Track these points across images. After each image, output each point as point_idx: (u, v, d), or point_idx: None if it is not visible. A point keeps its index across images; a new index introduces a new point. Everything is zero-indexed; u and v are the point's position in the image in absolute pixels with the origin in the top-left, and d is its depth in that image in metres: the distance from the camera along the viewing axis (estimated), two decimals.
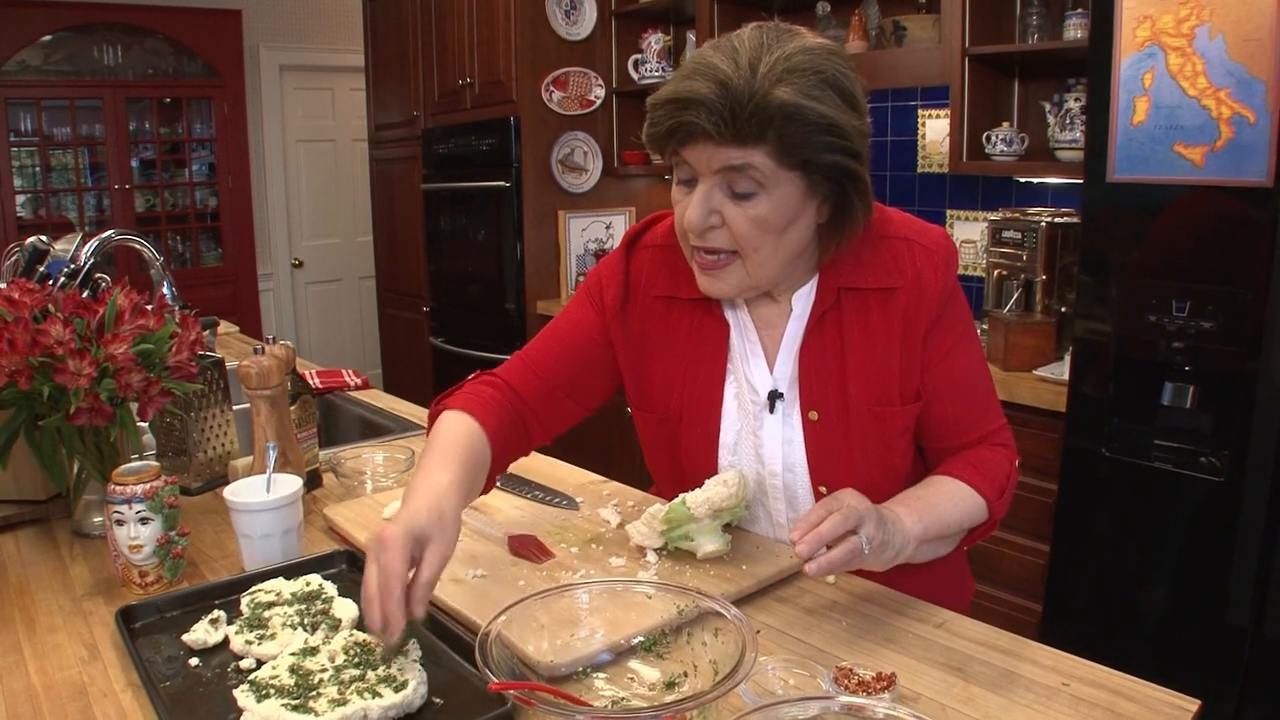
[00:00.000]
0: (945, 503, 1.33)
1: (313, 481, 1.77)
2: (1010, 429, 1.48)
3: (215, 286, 6.41)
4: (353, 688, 0.99)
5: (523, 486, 1.67)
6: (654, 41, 4.32)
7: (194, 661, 1.14)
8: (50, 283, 1.63)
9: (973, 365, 1.43)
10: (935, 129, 3.60)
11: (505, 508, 1.60)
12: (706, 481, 1.31)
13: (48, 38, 5.84)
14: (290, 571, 1.32)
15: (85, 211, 6.15)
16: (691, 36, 4.17)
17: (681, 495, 1.30)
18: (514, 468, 1.77)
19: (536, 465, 1.85)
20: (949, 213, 3.58)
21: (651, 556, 1.35)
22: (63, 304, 1.49)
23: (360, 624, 1.18)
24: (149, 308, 1.55)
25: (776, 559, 1.34)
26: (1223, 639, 2.20)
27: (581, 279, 4.39)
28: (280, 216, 6.82)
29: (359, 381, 2.71)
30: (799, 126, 1.18)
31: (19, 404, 1.47)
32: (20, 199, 5.98)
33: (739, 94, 1.17)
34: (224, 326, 3.73)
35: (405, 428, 2.27)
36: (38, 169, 5.99)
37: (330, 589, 1.25)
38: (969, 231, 3.52)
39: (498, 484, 1.69)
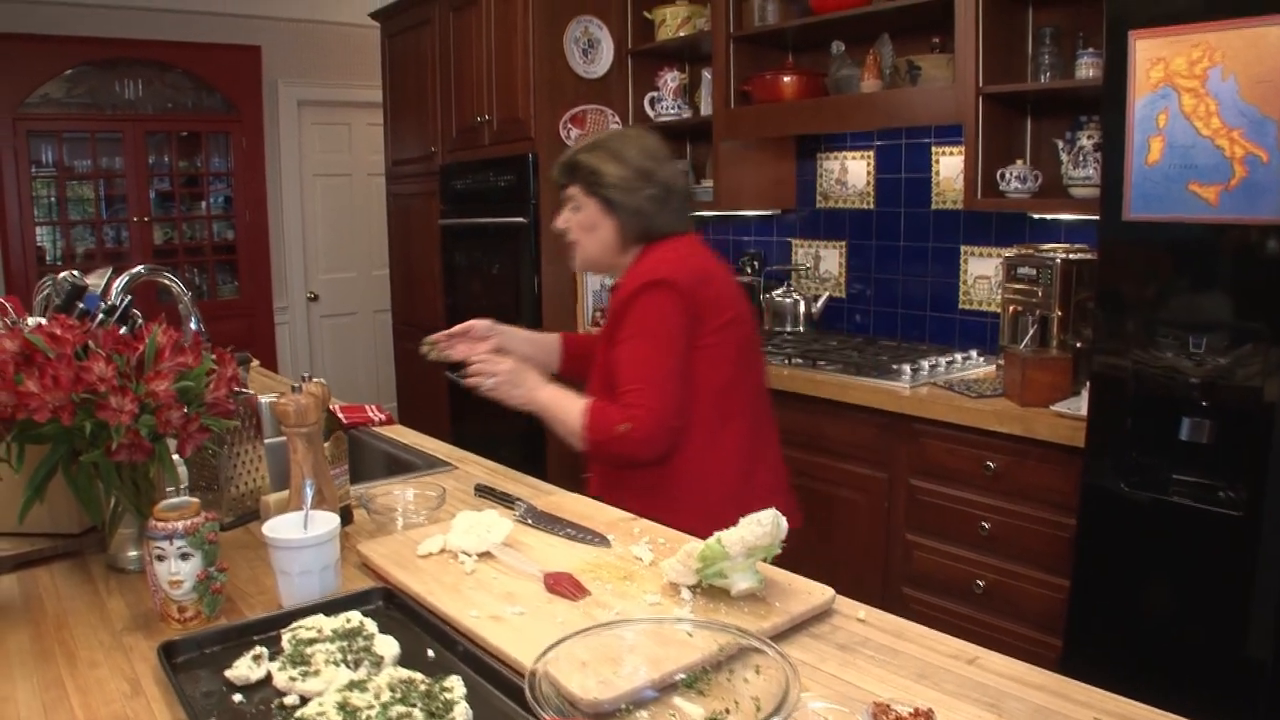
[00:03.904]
0: (567, 401, 2.13)
1: (344, 517, 1.79)
2: (645, 406, 2.02)
3: (231, 319, 6.44)
4: None
5: (554, 524, 1.70)
6: (670, 79, 4.37)
7: (237, 698, 1.16)
8: (88, 319, 1.66)
9: (635, 352, 2.09)
10: (949, 166, 3.63)
11: (538, 545, 1.62)
12: (741, 520, 1.33)
13: (70, 71, 5.92)
14: (330, 608, 1.34)
15: (104, 244, 6.20)
16: (707, 74, 4.21)
17: (716, 534, 1.32)
18: (544, 505, 1.80)
19: (565, 503, 1.88)
20: (963, 249, 3.61)
21: (686, 594, 1.36)
22: (102, 340, 1.52)
23: (402, 663, 1.20)
24: (187, 344, 1.58)
25: (809, 596, 1.36)
26: (1242, 673, 2.20)
27: (598, 314, 4.43)
28: (296, 250, 6.87)
29: (383, 417, 2.72)
30: (584, 174, 2.20)
31: (58, 439, 1.49)
32: (40, 230, 6.04)
33: (566, 159, 2.25)
34: None
35: (431, 464, 2.29)
36: (56, 201, 6.06)
37: (371, 626, 1.27)
38: (983, 268, 3.55)
39: (529, 522, 1.72)
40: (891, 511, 3.06)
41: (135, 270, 2.36)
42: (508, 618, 1.32)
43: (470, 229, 4.79)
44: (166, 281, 2.50)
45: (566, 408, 2.11)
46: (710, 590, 1.36)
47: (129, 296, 1.87)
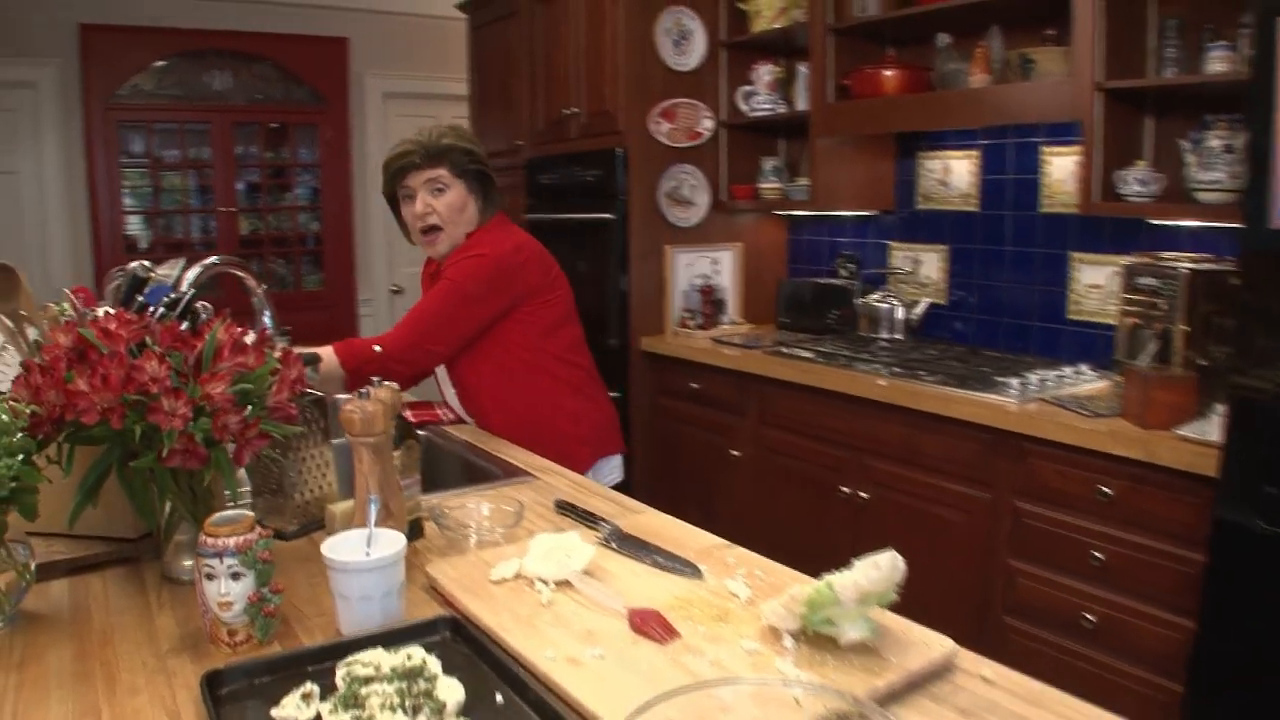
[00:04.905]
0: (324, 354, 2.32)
1: (414, 531, 1.66)
2: (395, 332, 2.45)
3: (315, 310, 6.44)
4: None
5: (641, 550, 1.54)
6: (765, 73, 4.20)
7: None
8: (149, 312, 1.56)
9: (432, 299, 2.48)
10: (1059, 167, 3.42)
11: (622, 573, 1.47)
12: (855, 563, 1.16)
13: (161, 63, 5.94)
14: (390, 640, 1.21)
15: (192, 233, 6.23)
16: (803, 69, 4.03)
17: (827, 578, 1.15)
18: (630, 526, 1.65)
19: (654, 524, 1.71)
20: (1073, 255, 3.39)
21: (788, 641, 1.20)
22: (160, 337, 1.42)
23: (467, 709, 1.07)
24: (249, 342, 1.47)
25: (927, 649, 1.19)
26: None
27: (687, 315, 4.28)
28: (380, 242, 6.83)
29: (452, 416, 2.64)
30: (458, 154, 2.49)
31: (112, 440, 1.39)
32: (130, 221, 6.09)
33: (429, 144, 2.48)
34: None
35: (511, 473, 2.15)
36: (148, 191, 6.10)
37: (434, 665, 1.13)
38: (1094, 276, 3.33)
39: (613, 546, 1.57)
40: (994, 534, 2.86)
41: (209, 261, 2.27)
42: (586, 661, 1.17)
43: (556, 225, 4.67)
44: (239, 274, 2.41)
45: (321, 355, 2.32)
46: (816, 639, 1.19)
47: (192, 290, 1.75)
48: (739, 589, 1.37)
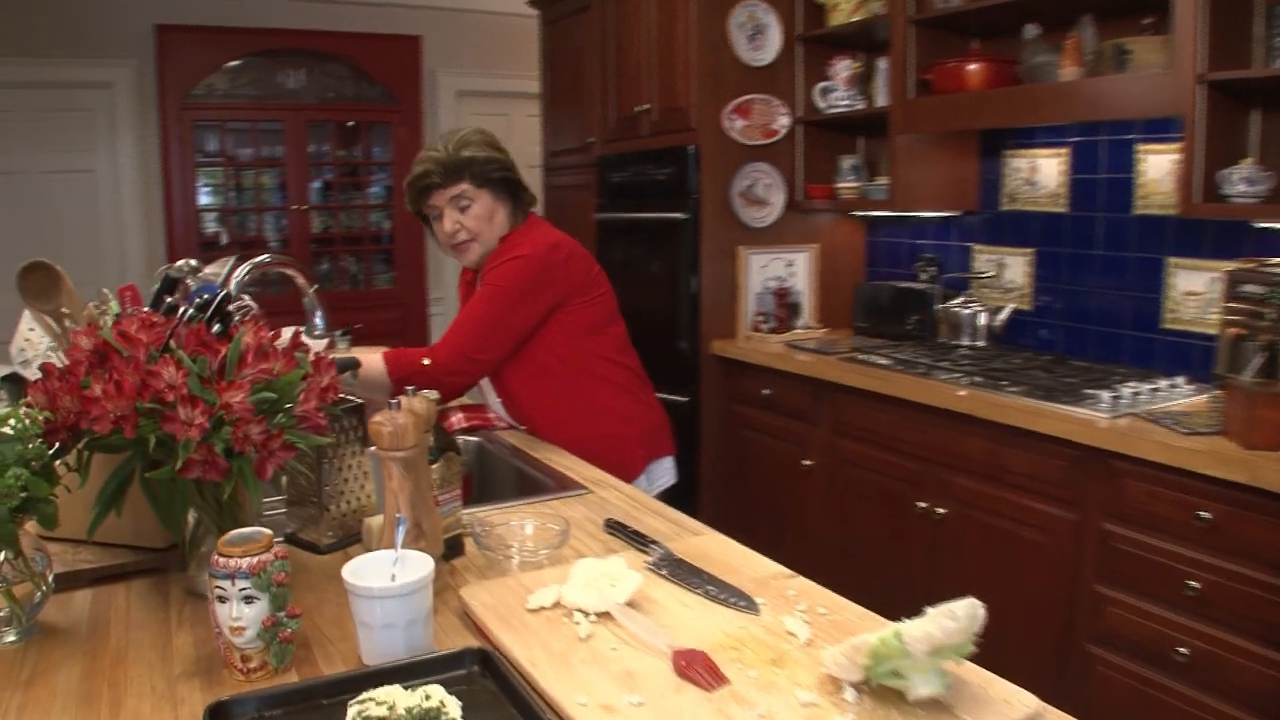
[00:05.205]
0: (365, 357, 2.26)
1: (453, 549, 1.56)
2: (445, 343, 2.38)
3: (385, 309, 6.43)
4: None
5: (693, 578, 1.41)
6: (842, 68, 4.04)
7: None
8: (178, 314, 1.47)
9: (475, 306, 2.42)
10: (1156, 165, 3.22)
11: (671, 604, 1.34)
12: (929, 611, 1.02)
13: (235, 62, 5.97)
14: (412, 673, 1.11)
15: (265, 231, 6.26)
16: (882, 64, 3.87)
17: (895, 627, 1.02)
18: (684, 550, 1.53)
19: (711, 548, 1.57)
20: (1170, 260, 3.19)
21: (849, 694, 1.06)
22: (185, 340, 1.33)
23: None
24: (278, 347, 1.38)
25: (1008, 709, 1.04)
26: None
27: (760, 318, 4.14)
28: None
29: (504, 424, 2.55)
30: (478, 165, 2.42)
31: (130, 449, 1.31)
32: (207, 218, 6.14)
33: (446, 160, 2.42)
34: None
35: (564, 485, 2.03)
36: (223, 189, 6.14)
37: (453, 707, 1.01)
38: (1193, 282, 3.13)
39: (663, 572, 1.44)
40: (1080, 557, 2.68)
41: (257, 259, 2.20)
42: (622, 709, 1.05)
43: (627, 224, 4.57)
44: (291, 272, 2.34)
45: (367, 363, 2.25)
46: (881, 690, 1.06)
47: (225, 291, 1.67)
48: (798, 628, 1.23)
